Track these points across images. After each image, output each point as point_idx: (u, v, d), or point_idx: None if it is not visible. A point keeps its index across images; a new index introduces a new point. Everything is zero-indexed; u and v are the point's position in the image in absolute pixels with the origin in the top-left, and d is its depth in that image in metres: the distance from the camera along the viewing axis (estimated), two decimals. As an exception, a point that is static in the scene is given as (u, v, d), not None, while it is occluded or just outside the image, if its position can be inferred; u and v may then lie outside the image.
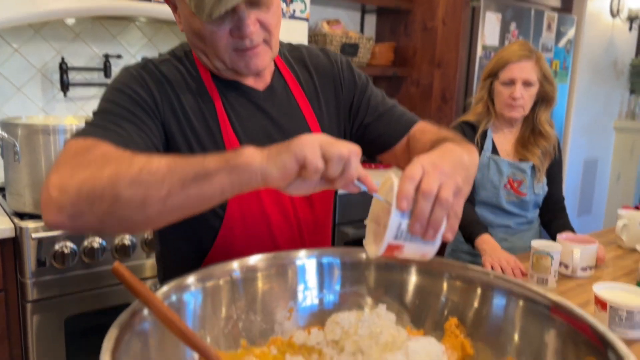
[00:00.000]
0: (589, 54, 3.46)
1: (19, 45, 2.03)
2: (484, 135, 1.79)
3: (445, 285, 0.79)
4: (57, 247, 1.64)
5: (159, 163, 0.65)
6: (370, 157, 1.12)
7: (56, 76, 2.10)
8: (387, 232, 0.63)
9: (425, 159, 0.67)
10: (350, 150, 0.64)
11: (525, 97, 1.71)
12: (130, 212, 0.66)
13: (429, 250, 0.67)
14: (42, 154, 1.67)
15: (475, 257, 1.78)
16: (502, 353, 0.72)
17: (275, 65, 1.00)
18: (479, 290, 0.76)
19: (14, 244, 1.63)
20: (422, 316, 0.81)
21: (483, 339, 0.76)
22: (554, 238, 1.76)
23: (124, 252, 1.75)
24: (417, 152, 0.95)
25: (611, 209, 3.83)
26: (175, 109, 0.89)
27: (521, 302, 0.71)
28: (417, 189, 0.64)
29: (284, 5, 2.25)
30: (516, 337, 0.71)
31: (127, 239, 1.76)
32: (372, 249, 0.68)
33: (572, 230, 1.70)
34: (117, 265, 0.62)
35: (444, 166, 0.66)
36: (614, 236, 1.72)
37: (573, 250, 1.33)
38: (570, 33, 3.18)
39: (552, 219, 1.81)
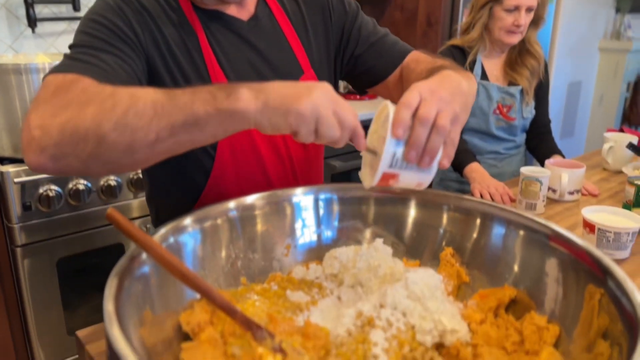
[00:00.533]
0: (576, -29, 3.36)
1: (-23, -22, 1.89)
2: (473, 60, 1.76)
3: (443, 217, 0.79)
4: (41, 190, 1.61)
5: (145, 103, 0.61)
6: (361, 90, 1.08)
7: (22, 11, 1.97)
8: (382, 161, 0.62)
9: (422, 85, 0.65)
10: (345, 129, 0.63)
11: (526, 23, 1.67)
12: (117, 156, 0.62)
13: (424, 179, 0.67)
14: (15, 95, 1.60)
15: (463, 184, 1.80)
16: (499, 280, 0.74)
17: (260, -8, 0.94)
18: (477, 221, 0.77)
19: (-3, 189, 1.60)
20: (418, 248, 0.82)
21: (478, 267, 0.77)
22: (540, 161, 1.78)
23: (110, 193, 1.73)
24: (411, 81, 0.92)
25: (593, 131, 3.87)
26: (158, 41, 0.84)
27: (520, 231, 0.72)
28: (414, 115, 0.62)
29: None
30: (514, 265, 0.72)
31: (112, 180, 1.73)
32: (367, 179, 0.67)
33: (560, 153, 1.71)
34: (110, 212, 0.60)
35: (442, 93, 0.64)
36: (599, 159, 1.74)
37: (561, 175, 1.35)
38: (558, -51, 3.07)
39: (540, 142, 1.82)
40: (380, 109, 0.68)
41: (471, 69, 1.77)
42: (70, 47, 0.79)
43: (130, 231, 0.60)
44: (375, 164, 0.65)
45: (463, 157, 1.60)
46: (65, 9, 2.07)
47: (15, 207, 1.59)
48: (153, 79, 0.85)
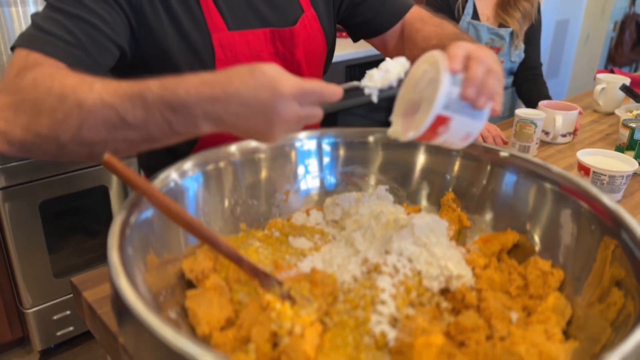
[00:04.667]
0: None
1: None
2: (466, -2, 1.71)
3: (452, 163, 0.78)
4: (19, 131, 1.54)
5: (96, 120, 0.59)
6: (355, 39, 1.04)
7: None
8: (437, 100, 0.57)
9: (465, 43, 0.62)
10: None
11: None
12: (83, 156, 0.63)
13: (475, 126, 0.63)
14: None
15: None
16: (502, 225, 0.73)
17: None
18: (487, 167, 0.75)
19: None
20: (419, 193, 0.81)
21: (482, 212, 0.77)
22: (528, 104, 1.77)
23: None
24: (418, 43, 0.89)
25: (578, 71, 3.86)
26: None
27: (532, 179, 0.70)
28: (467, 57, 0.60)
29: None
30: (524, 213, 0.71)
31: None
32: (413, 126, 0.62)
33: (550, 98, 1.70)
34: (108, 158, 0.57)
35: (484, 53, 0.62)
36: (589, 100, 1.74)
37: (555, 117, 1.33)
38: None
39: (532, 87, 1.80)
40: (410, 75, 0.65)
41: (463, 7, 1.71)
42: (46, 5, 0.73)
43: (130, 178, 0.57)
44: (423, 112, 0.61)
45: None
46: None
47: (-8, 148, 1.53)
48: (140, 26, 0.79)
